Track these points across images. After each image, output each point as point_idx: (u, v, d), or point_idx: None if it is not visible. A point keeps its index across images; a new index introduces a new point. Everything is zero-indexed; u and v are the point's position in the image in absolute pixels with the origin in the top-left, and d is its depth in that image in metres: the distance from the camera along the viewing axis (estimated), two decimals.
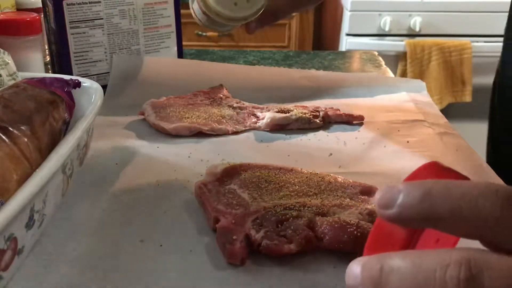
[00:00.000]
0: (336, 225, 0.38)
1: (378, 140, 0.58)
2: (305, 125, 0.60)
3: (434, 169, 0.25)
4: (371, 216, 0.39)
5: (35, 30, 0.69)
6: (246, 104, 0.64)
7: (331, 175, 0.46)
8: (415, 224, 0.23)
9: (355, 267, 0.23)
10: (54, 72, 0.75)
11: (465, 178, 0.25)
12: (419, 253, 0.22)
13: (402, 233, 0.24)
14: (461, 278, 0.20)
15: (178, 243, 0.38)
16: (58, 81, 0.46)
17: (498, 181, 0.49)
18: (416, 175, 0.25)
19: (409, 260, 0.22)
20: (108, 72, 0.72)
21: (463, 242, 0.24)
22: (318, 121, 0.61)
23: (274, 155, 0.54)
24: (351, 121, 0.62)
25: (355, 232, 0.37)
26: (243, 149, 0.55)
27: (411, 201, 0.22)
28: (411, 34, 1.74)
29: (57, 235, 0.39)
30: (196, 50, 0.99)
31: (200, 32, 1.87)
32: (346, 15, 1.74)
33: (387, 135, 0.59)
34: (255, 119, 0.61)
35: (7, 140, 0.36)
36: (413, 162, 0.51)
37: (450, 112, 1.72)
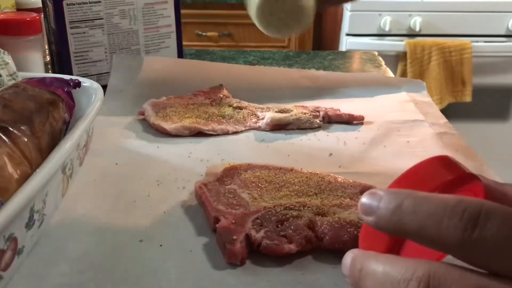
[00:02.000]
0: (336, 225, 0.38)
1: (378, 140, 0.58)
2: (305, 125, 0.60)
3: (438, 164, 0.25)
4: None
5: (35, 30, 0.69)
6: (246, 104, 0.64)
7: (331, 175, 0.46)
8: (391, 233, 0.24)
9: (347, 259, 0.25)
10: (54, 72, 0.75)
11: (470, 175, 0.25)
12: (393, 261, 0.23)
13: (384, 236, 0.25)
14: None
15: (178, 243, 0.38)
16: (58, 81, 0.46)
17: (497, 180, 0.48)
18: (418, 168, 0.26)
19: (382, 267, 0.23)
20: (108, 72, 0.72)
21: None
22: (318, 121, 0.61)
23: (274, 155, 0.54)
24: (351, 121, 0.62)
25: (355, 232, 0.37)
26: (243, 149, 0.55)
27: (385, 212, 0.23)
28: (411, 34, 1.74)
29: (57, 235, 0.39)
30: (196, 50, 0.99)
31: (200, 32, 1.87)
32: (346, 15, 1.74)
33: (387, 135, 0.59)
34: (255, 119, 0.61)
35: (7, 140, 0.36)
36: (413, 162, 0.51)
37: (450, 112, 1.72)
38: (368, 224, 0.25)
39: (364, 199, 0.25)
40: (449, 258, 0.23)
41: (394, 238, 0.25)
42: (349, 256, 0.25)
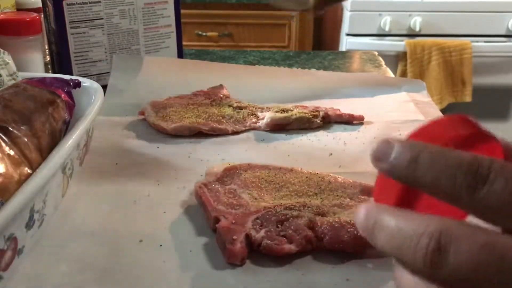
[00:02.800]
0: (336, 225, 0.38)
1: (378, 140, 0.57)
2: (305, 125, 0.60)
3: (456, 120, 0.25)
4: None
5: (35, 30, 0.69)
6: (246, 104, 0.64)
7: (331, 175, 0.46)
8: (403, 182, 0.24)
9: (361, 212, 0.25)
10: (54, 72, 0.75)
11: (489, 135, 0.25)
12: (406, 216, 0.24)
13: (399, 185, 0.25)
14: (429, 249, 0.22)
15: (178, 243, 0.38)
16: (58, 81, 0.46)
17: None
18: (435, 123, 0.26)
19: (395, 221, 0.24)
20: (108, 72, 0.72)
21: None
22: (318, 121, 0.61)
23: (274, 155, 0.54)
24: (351, 121, 0.62)
25: (355, 232, 0.37)
26: (243, 149, 0.55)
27: (400, 162, 0.24)
28: (411, 34, 1.74)
29: (57, 235, 0.39)
30: (196, 50, 0.99)
31: (200, 32, 1.87)
32: (346, 15, 1.74)
33: (387, 135, 0.59)
34: (255, 119, 0.61)
35: (7, 140, 0.36)
36: None
37: (450, 112, 1.72)
38: (380, 170, 0.25)
39: (378, 145, 0.25)
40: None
41: (407, 190, 0.25)
42: (363, 209, 0.26)
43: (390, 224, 0.24)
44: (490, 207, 0.22)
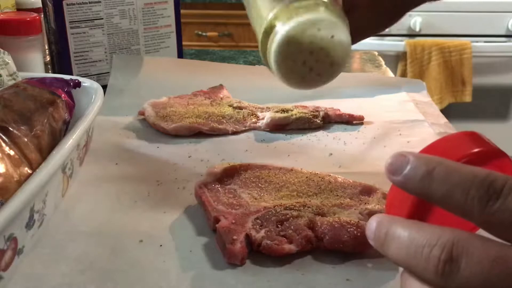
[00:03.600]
0: (336, 225, 0.38)
1: (378, 140, 0.57)
2: (305, 125, 0.60)
3: (466, 137, 0.26)
4: (371, 216, 0.39)
5: (35, 30, 0.69)
6: (246, 104, 0.64)
7: (331, 175, 0.46)
8: (417, 195, 0.25)
9: (373, 223, 0.26)
10: (54, 72, 0.75)
11: (499, 151, 0.25)
12: (419, 227, 0.24)
13: (412, 198, 0.25)
14: (441, 259, 0.22)
15: (178, 243, 0.38)
16: (58, 81, 0.46)
17: None
18: (445, 140, 0.26)
19: (408, 232, 0.24)
20: (108, 72, 0.72)
21: None
22: (318, 121, 0.61)
23: (274, 155, 0.54)
24: (351, 121, 0.62)
25: (355, 232, 0.37)
26: (243, 149, 0.55)
27: (414, 176, 0.24)
28: (411, 34, 1.74)
29: (57, 235, 0.39)
30: (196, 50, 0.99)
31: (200, 32, 1.87)
32: None
33: (387, 135, 0.59)
34: (255, 119, 0.61)
35: (7, 140, 0.36)
36: None
37: (450, 112, 1.73)
38: (394, 183, 0.25)
39: (393, 159, 0.25)
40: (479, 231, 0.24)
41: (419, 203, 0.25)
42: (374, 220, 0.26)
43: (403, 234, 0.24)
44: (502, 222, 0.22)
